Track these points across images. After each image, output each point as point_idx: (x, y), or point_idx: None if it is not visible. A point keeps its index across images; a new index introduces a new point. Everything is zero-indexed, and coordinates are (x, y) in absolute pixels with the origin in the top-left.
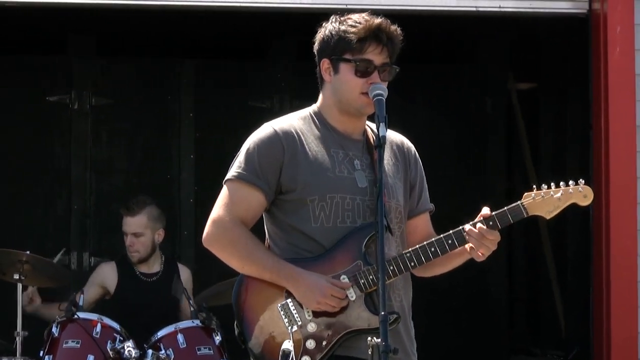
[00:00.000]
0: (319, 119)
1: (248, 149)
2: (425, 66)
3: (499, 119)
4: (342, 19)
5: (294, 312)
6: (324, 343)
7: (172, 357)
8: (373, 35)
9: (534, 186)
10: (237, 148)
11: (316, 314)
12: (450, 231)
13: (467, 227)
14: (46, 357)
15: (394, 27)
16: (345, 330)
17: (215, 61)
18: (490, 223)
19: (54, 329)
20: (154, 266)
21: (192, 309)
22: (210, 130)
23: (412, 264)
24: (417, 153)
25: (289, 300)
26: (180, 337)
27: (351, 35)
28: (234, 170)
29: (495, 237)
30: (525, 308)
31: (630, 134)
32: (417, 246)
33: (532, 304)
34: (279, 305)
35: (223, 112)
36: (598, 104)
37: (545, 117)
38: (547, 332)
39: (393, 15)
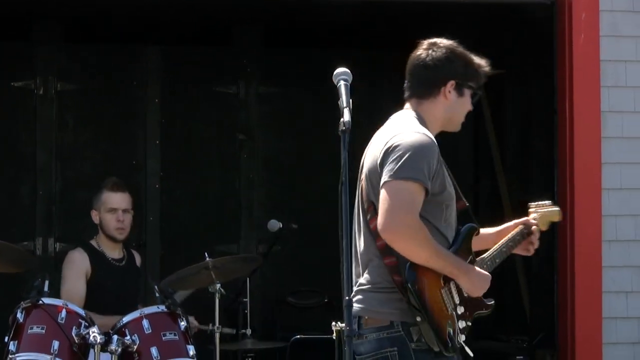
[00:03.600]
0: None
1: (417, 153)
2: (389, 53)
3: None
4: (457, 46)
5: (450, 297)
6: (468, 324)
7: (138, 342)
8: (486, 75)
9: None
10: (202, 134)
11: (463, 300)
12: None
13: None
14: (11, 342)
15: None
16: (474, 312)
17: (181, 47)
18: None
19: (18, 315)
20: (119, 251)
21: (157, 294)
22: (176, 116)
23: (498, 260)
24: None
25: (450, 285)
26: (145, 322)
27: (481, 70)
28: (412, 172)
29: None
30: (490, 294)
31: (595, 120)
32: (500, 246)
33: (497, 290)
34: (442, 290)
35: (189, 98)
36: (563, 90)
37: (511, 104)
38: (512, 317)
39: (358, 3)
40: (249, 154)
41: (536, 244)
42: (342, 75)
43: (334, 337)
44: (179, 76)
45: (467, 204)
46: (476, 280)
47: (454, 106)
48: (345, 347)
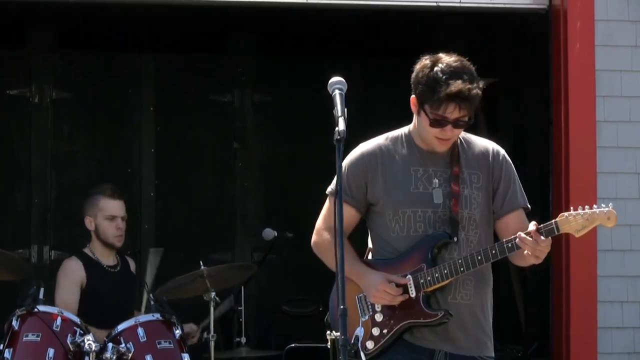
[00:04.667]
0: (407, 139)
1: (345, 168)
2: (385, 60)
3: None
4: (435, 67)
5: (367, 304)
6: (386, 331)
7: (133, 350)
8: (451, 98)
9: (571, 207)
10: (197, 142)
11: (383, 307)
12: (503, 240)
13: (521, 234)
14: (6, 350)
15: (474, 89)
16: (403, 322)
17: (176, 55)
18: (541, 232)
19: (14, 323)
20: (113, 258)
21: (151, 302)
22: (171, 123)
23: (462, 269)
24: (504, 156)
25: (363, 294)
26: (140, 330)
27: (433, 93)
28: (331, 186)
29: (547, 243)
30: None
31: (590, 130)
32: (469, 254)
33: (493, 299)
34: (357, 296)
35: (183, 105)
36: (558, 99)
37: (505, 113)
38: (506, 326)
39: (353, 10)
40: (243, 162)
41: (538, 252)
42: (337, 84)
43: (329, 346)
44: (174, 84)
45: (454, 211)
46: (365, 285)
47: (417, 122)
48: (340, 356)
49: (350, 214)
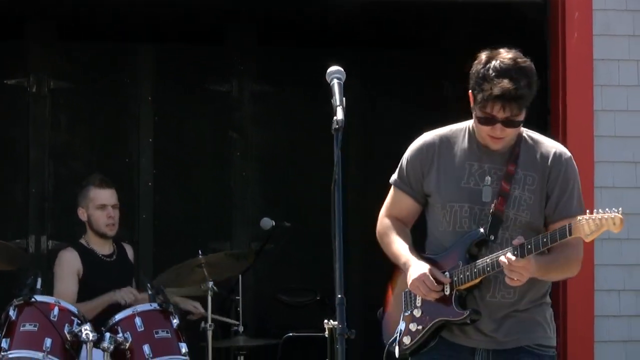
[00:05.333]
0: (470, 133)
1: (405, 157)
2: (385, 52)
3: (457, 103)
4: (488, 63)
5: (411, 299)
6: (421, 327)
7: (130, 340)
8: (497, 98)
9: (587, 211)
10: (196, 132)
11: (423, 303)
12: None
13: (501, 258)
14: (3, 340)
15: (521, 90)
16: (435, 319)
17: (174, 45)
18: (515, 252)
19: (11, 312)
20: (109, 247)
21: (149, 292)
22: (169, 114)
23: (489, 268)
24: (567, 161)
25: (409, 290)
26: (138, 320)
27: (480, 92)
28: (393, 176)
29: (520, 265)
30: None
31: (588, 119)
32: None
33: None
34: (404, 291)
35: (182, 96)
36: (556, 89)
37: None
38: None
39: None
40: (242, 152)
41: (514, 274)
42: (335, 73)
43: (326, 335)
44: (172, 74)
45: (499, 209)
46: (410, 274)
47: (473, 118)
48: (337, 344)
49: (408, 204)
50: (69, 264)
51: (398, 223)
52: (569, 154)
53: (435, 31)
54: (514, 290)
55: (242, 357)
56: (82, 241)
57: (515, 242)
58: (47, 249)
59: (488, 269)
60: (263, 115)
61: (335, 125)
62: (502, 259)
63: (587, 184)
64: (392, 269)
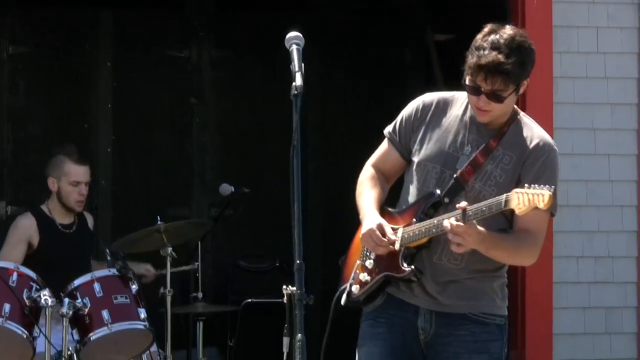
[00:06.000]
0: (467, 103)
1: (401, 112)
2: (343, 18)
3: (417, 70)
4: (488, 36)
5: (368, 250)
6: (369, 278)
7: (89, 305)
8: (480, 68)
9: (526, 185)
10: (155, 98)
11: (376, 256)
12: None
13: (444, 221)
14: None
15: (507, 65)
16: (382, 273)
17: (133, 11)
18: (458, 217)
19: None
20: (69, 217)
21: (108, 257)
22: (128, 80)
23: (434, 230)
24: (548, 153)
25: None
26: (96, 285)
27: (471, 59)
28: (388, 127)
29: (461, 230)
30: None
31: (547, 86)
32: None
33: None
34: None
35: (141, 61)
36: None
37: (463, 69)
38: None
39: None
40: (201, 118)
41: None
42: (294, 39)
43: (285, 301)
44: (131, 40)
45: (464, 177)
46: (363, 226)
47: None
48: (296, 310)
49: (394, 158)
50: (22, 229)
51: (378, 174)
52: (554, 146)
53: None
54: (461, 257)
55: (201, 323)
56: (44, 207)
57: (459, 205)
58: (6, 215)
59: (433, 230)
60: (222, 81)
61: (294, 91)
62: (445, 222)
63: None
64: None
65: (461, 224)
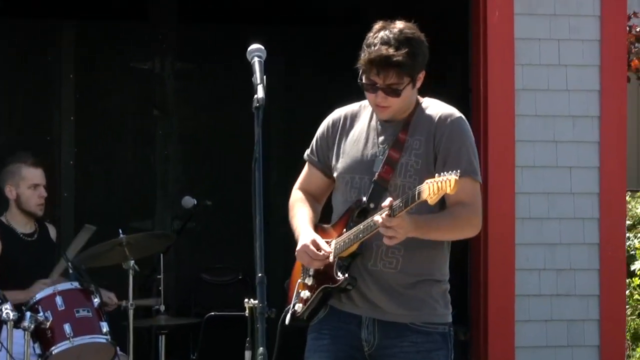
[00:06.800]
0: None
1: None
2: (304, 28)
3: None
4: (378, 32)
5: (307, 268)
6: (309, 295)
7: (51, 319)
8: (370, 62)
9: (436, 174)
10: (117, 109)
11: (315, 272)
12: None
13: (375, 217)
14: None
15: (397, 57)
16: (320, 286)
17: (96, 22)
18: (388, 212)
19: None
20: (30, 226)
21: (70, 271)
22: (91, 91)
23: (361, 235)
24: (454, 121)
25: None
26: (58, 299)
27: (361, 61)
28: (307, 150)
29: (393, 223)
30: None
31: (509, 98)
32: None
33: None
34: None
35: (104, 73)
36: (477, 68)
37: (425, 81)
38: None
39: None
40: (164, 130)
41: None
42: (256, 51)
43: (247, 314)
44: (94, 51)
45: (383, 177)
46: (298, 244)
47: None
48: (258, 323)
49: (318, 178)
50: None
51: (306, 196)
52: (457, 115)
53: (357, 6)
54: (396, 260)
55: (163, 337)
56: (3, 219)
57: (384, 204)
58: None
59: (361, 235)
60: (185, 92)
61: (255, 104)
62: (377, 217)
63: (508, 163)
64: None
65: (392, 218)
